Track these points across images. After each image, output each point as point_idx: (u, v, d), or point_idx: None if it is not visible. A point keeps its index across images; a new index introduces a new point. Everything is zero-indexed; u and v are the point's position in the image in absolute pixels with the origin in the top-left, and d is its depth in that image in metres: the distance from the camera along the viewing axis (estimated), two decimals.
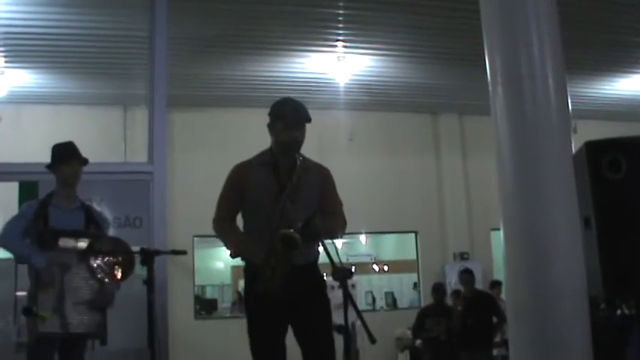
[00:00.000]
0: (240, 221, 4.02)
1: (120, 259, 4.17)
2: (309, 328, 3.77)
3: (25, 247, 4.49)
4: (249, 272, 3.85)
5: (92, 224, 4.68)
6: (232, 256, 3.86)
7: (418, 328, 9.25)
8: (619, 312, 4.39)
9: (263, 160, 3.93)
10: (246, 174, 3.92)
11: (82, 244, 4.49)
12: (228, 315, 13.87)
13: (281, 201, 3.72)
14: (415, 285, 14.56)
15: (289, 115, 3.86)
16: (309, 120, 3.88)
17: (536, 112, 4.51)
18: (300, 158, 3.84)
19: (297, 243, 3.53)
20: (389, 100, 12.80)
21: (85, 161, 4.75)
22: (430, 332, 8.98)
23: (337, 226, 3.96)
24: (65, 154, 4.69)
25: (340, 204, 4.04)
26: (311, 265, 3.87)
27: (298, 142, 3.85)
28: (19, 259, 4.64)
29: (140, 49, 8.28)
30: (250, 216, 3.93)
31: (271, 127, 3.92)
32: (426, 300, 12.14)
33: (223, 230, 3.95)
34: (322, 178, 3.99)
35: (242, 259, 3.88)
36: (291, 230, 3.53)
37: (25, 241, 4.49)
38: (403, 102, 13.02)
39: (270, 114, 3.94)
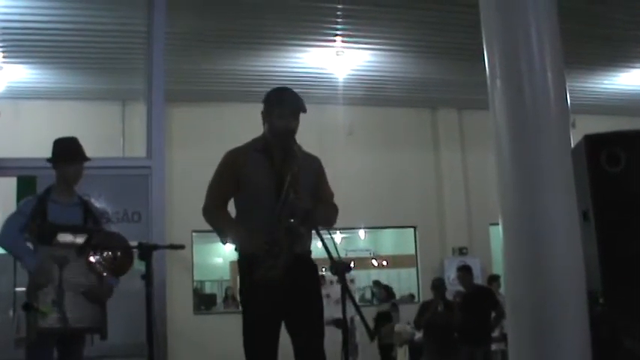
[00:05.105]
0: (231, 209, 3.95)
1: (118, 253, 4.17)
2: (303, 318, 3.73)
3: (20, 249, 4.49)
4: (245, 263, 3.79)
5: (90, 219, 4.68)
6: (229, 242, 3.80)
7: (419, 317, 9.29)
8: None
9: (257, 147, 3.89)
10: (240, 160, 3.88)
11: (80, 239, 4.49)
12: (226, 310, 13.87)
13: (284, 190, 3.67)
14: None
15: (286, 102, 3.85)
16: (304, 110, 3.87)
17: (535, 107, 4.49)
18: (296, 147, 3.82)
19: (301, 232, 3.58)
20: (388, 95, 12.79)
21: (87, 159, 4.74)
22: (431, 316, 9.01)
23: (333, 215, 4.02)
24: (69, 153, 4.67)
25: (332, 194, 4.07)
26: (308, 253, 3.87)
27: (293, 131, 3.82)
28: (15, 258, 4.66)
29: (138, 44, 8.27)
30: (247, 204, 3.86)
31: (266, 114, 3.89)
32: (425, 294, 12.16)
33: (217, 218, 3.88)
34: (316, 167, 4.01)
35: (237, 249, 3.81)
36: (292, 220, 3.55)
37: (21, 241, 4.50)
38: (402, 97, 13.01)
39: (266, 101, 3.90)
